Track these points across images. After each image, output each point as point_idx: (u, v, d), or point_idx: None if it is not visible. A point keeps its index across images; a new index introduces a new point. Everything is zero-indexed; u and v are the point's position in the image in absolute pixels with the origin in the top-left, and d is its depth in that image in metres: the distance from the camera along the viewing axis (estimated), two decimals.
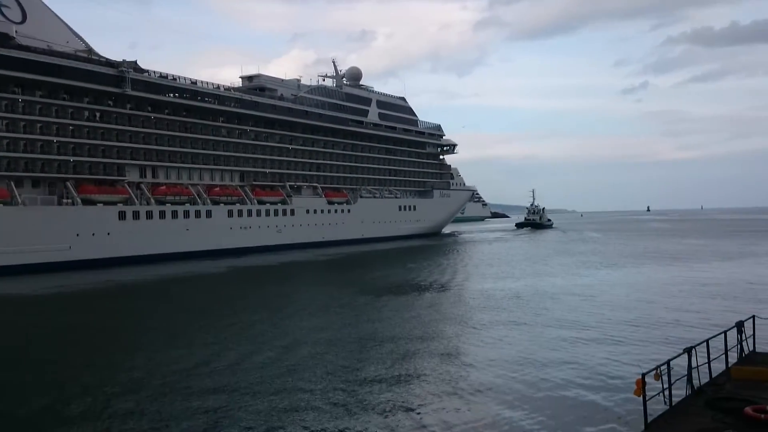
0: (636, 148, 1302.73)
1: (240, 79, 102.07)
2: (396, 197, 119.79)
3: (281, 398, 19.34)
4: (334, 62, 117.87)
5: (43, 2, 74.06)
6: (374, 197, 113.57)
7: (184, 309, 39.88)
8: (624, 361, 23.15)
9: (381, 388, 20.27)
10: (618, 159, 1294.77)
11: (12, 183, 64.19)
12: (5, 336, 32.88)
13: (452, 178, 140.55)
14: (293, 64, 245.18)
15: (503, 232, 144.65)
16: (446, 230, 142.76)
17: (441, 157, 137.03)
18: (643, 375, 12.93)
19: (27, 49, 65.70)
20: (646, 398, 12.86)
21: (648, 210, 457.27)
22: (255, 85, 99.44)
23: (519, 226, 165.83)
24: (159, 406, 18.86)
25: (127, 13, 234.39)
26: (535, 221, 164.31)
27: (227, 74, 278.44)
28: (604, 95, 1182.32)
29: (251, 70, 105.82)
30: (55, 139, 68.42)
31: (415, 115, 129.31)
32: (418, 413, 17.99)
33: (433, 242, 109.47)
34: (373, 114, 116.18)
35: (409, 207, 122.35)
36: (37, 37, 68.89)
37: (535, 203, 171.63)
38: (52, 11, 75.09)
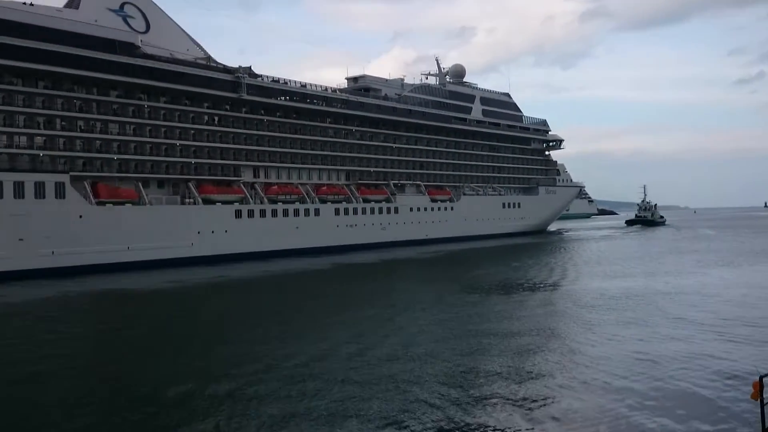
0: (751, 141, 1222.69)
1: (345, 81, 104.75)
2: (500, 194, 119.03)
3: (399, 391, 20.30)
4: (437, 60, 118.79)
5: (164, 12, 79.09)
6: (478, 195, 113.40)
7: (297, 303, 41.84)
8: (742, 361, 22.66)
9: (494, 386, 20.83)
10: (732, 153, 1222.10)
11: (140, 184, 69.12)
12: (142, 325, 35.90)
13: (558, 174, 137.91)
14: (394, 63, 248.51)
15: (612, 229, 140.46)
16: (552, 228, 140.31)
17: (547, 152, 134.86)
18: (761, 377, 12.72)
19: (151, 57, 70.46)
20: (764, 402, 12.54)
21: (766, 206, 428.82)
22: (360, 85, 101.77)
23: (629, 223, 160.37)
24: (288, 392, 20.28)
25: (237, 19, 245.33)
26: (647, 218, 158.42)
27: (329, 75, 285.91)
28: (717, 87, 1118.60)
29: (353, 71, 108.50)
30: (178, 142, 73.02)
31: (520, 111, 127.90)
32: (534, 410, 18.44)
33: (538, 240, 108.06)
34: (477, 111, 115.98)
35: (514, 204, 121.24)
36: (159, 45, 73.67)
37: (647, 199, 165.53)
38: (173, 20, 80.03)
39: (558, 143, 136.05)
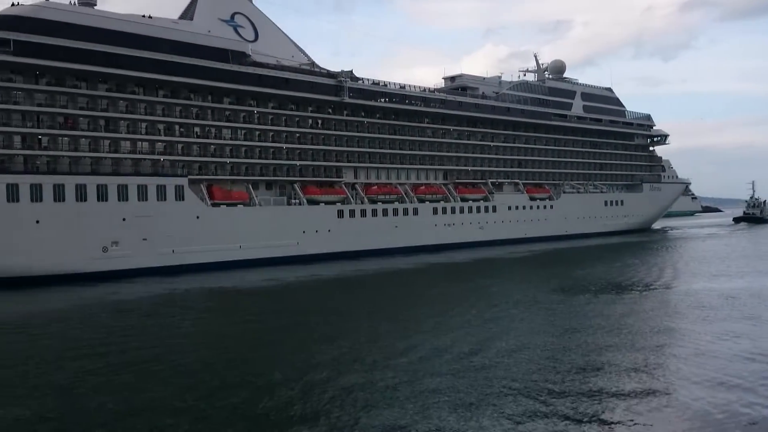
0: None
1: (443, 80, 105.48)
2: (602, 192, 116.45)
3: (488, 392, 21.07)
4: (535, 56, 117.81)
5: (271, 20, 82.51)
6: (578, 192, 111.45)
7: (401, 300, 43.15)
8: None
9: (590, 388, 21.27)
10: None
11: (250, 186, 72.65)
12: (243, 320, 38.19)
13: (663, 170, 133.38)
14: (486, 60, 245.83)
15: (718, 227, 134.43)
16: (655, 226, 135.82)
17: (651, 148, 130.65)
18: None
19: (260, 65, 73.76)
20: None
21: None
22: (457, 84, 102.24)
23: (737, 220, 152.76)
24: (403, 388, 21.51)
25: (332, 23, 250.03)
26: (755, 215, 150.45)
27: (420, 74, 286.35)
28: None
29: (445, 69, 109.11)
30: (284, 145, 76.13)
31: (623, 106, 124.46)
32: (658, 409, 18.85)
33: (642, 239, 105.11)
34: (578, 107, 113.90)
35: (616, 202, 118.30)
36: (267, 53, 76.92)
37: (755, 196, 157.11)
38: (279, 28, 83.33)
39: (663, 138, 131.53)
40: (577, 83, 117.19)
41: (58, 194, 57.18)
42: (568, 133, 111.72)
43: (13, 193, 54.75)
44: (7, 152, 56.29)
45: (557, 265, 67.79)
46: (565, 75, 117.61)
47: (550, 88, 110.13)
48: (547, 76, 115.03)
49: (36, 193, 55.96)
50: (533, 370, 22.38)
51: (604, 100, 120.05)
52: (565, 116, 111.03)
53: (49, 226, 55.98)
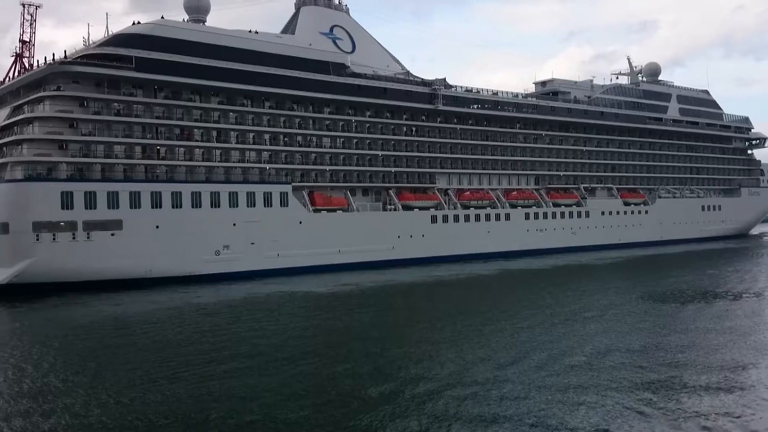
0: None
1: (533, 85, 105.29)
2: (698, 197, 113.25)
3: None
4: (628, 59, 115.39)
5: (367, 31, 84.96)
6: (674, 197, 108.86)
7: (494, 304, 44.00)
8: None
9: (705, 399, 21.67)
10: None
11: (348, 192, 75.11)
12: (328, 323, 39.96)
13: (762, 174, 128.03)
14: (570, 62, 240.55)
15: None
16: (753, 231, 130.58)
17: (749, 152, 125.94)
18: None
19: (359, 75, 76.16)
20: None
21: None
22: (548, 89, 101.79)
23: None
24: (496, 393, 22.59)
25: (411, 29, 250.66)
26: None
27: (500, 78, 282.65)
28: None
29: (535, 75, 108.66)
30: (380, 153, 78.25)
31: (719, 108, 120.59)
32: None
33: (740, 245, 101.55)
34: (673, 110, 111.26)
35: (713, 207, 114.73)
36: (364, 63, 79.24)
37: None
38: (375, 39, 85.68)
39: (761, 141, 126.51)
40: (673, 86, 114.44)
41: (176, 201, 61.13)
42: (664, 136, 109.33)
43: (135, 201, 58.95)
44: (130, 162, 60.64)
45: (652, 272, 66.86)
46: (661, 78, 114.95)
47: (645, 91, 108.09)
48: (640, 78, 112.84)
49: (156, 200, 60.03)
50: (614, 389, 22.85)
51: (700, 102, 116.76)
52: (660, 120, 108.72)
53: (168, 231, 59.94)
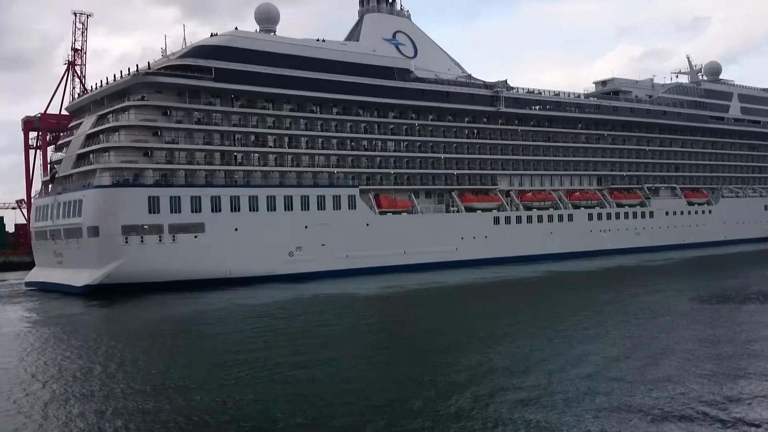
0: None
1: (593, 85, 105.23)
2: (761, 196, 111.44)
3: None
4: (688, 58, 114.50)
5: (428, 36, 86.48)
6: (737, 197, 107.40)
7: (562, 304, 44.63)
8: None
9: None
10: None
11: (412, 194, 76.79)
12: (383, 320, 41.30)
13: None
14: (619, 60, 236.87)
15: None
16: None
17: None
18: None
19: (422, 80, 77.82)
20: None
21: None
22: (609, 89, 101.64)
23: None
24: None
25: (456, 30, 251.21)
26: None
27: (548, 77, 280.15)
28: None
29: (574, 72, 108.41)
30: (442, 155, 79.71)
31: None
32: None
33: None
34: (735, 108, 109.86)
35: None
36: (426, 68, 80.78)
37: None
38: (436, 43, 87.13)
39: None
40: (734, 84, 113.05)
41: (253, 205, 63.81)
42: (726, 135, 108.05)
43: (216, 204, 61.79)
44: (211, 168, 63.55)
45: (719, 273, 66.44)
46: (722, 77, 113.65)
47: (706, 90, 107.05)
48: (700, 77, 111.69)
49: (235, 204, 62.79)
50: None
51: (762, 101, 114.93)
52: (722, 119, 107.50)
53: (246, 233, 62.59)
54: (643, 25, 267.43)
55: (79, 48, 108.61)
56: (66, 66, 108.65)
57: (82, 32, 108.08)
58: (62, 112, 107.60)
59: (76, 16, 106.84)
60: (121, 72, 64.07)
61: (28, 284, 67.30)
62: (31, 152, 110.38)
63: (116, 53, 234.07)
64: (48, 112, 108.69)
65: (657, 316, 37.77)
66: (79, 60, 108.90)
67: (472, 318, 41.38)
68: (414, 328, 38.92)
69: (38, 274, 66.80)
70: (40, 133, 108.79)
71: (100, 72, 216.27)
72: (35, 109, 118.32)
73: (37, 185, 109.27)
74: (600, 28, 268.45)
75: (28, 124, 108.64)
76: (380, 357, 30.47)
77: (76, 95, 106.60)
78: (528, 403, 21.56)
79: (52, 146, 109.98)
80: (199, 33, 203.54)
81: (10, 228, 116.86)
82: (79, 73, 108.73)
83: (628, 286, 54.82)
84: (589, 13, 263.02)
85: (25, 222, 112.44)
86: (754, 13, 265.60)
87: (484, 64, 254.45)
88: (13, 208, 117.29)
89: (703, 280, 60.47)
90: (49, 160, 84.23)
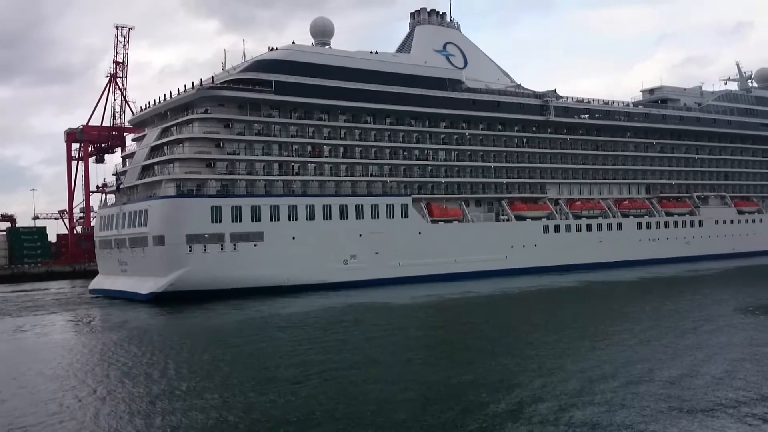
0: None
1: (640, 93, 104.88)
2: None
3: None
4: (737, 65, 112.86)
5: (478, 47, 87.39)
6: None
7: (614, 314, 44.97)
8: None
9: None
10: None
11: (462, 203, 77.69)
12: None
13: None
14: (659, 66, 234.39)
15: None
16: None
17: None
18: None
19: (473, 90, 78.78)
20: None
21: None
22: (657, 97, 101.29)
23: None
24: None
25: (496, 37, 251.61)
26: None
27: (587, 84, 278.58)
28: None
29: (614, 79, 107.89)
30: (492, 164, 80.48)
31: None
32: None
33: None
34: None
35: None
36: (476, 78, 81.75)
37: None
38: (485, 53, 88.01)
39: None
40: None
41: (310, 214, 65.43)
42: None
43: (275, 214, 63.55)
44: (270, 178, 65.40)
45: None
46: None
47: (758, 98, 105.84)
48: (751, 84, 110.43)
49: (293, 213, 64.49)
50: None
51: None
52: None
53: (303, 242, 64.18)
54: (684, 31, 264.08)
55: (121, 61, 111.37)
56: (108, 79, 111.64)
57: (124, 45, 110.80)
58: (104, 124, 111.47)
59: (117, 29, 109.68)
60: (182, 87, 66.55)
61: (92, 291, 69.85)
62: (74, 163, 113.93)
63: (158, 65, 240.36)
64: (90, 124, 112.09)
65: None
66: (121, 72, 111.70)
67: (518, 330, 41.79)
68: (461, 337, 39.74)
69: (102, 282, 69.34)
70: (82, 144, 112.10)
71: (141, 84, 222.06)
72: (79, 121, 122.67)
73: (78, 197, 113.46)
74: (640, 35, 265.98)
75: (71, 135, 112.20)
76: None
77: (118, 108, 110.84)
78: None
79: (94, 157, 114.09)
80: (239, 45, 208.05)
81: (52, 238, 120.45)
82: (120, 85, 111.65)
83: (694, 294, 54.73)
84: (628, 19, 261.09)
85: (66, 232, 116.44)
86: None
87: (523, 70, 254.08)
88: (56, 219, 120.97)
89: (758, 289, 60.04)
90: (112, 171, 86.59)
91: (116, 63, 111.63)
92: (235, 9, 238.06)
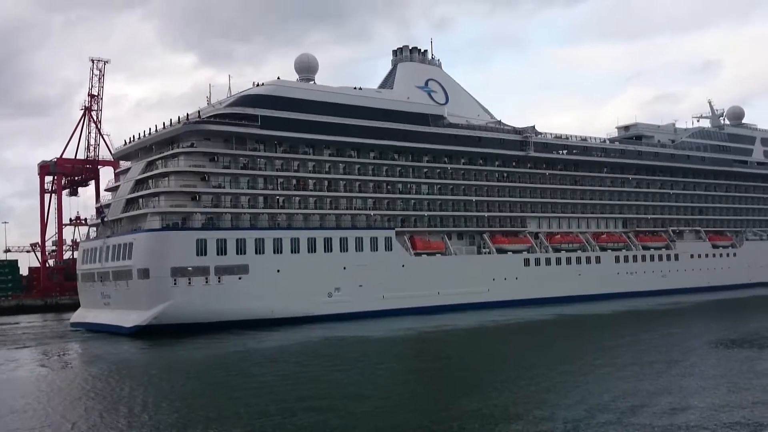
0: None
1: (616, 129, 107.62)
2: None
3: None
4: (709, 102, 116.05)
5: (458, 84, 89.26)
6: (761, 240, 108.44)
7: (593, 346, 45.69)
8: None
9: None
10: None
11: (445, 236, 78.57)
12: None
13: None
14: (630, 104, 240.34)
15: None
16: None
17: None
18: None
19: (455, 126, 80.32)
20: None
21: None
22: (632, 133, 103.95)
23: None
24: None
25: (472, 74, 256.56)
26: None
27: (559, 121, 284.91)
28: None
29: (587, 115, 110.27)
30: (474, 198, 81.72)
31: None
32: None
33: None
34: (758, 152, 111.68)
35: None
36: (457, 114, 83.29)
37: None
38: (465, 90, 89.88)
39: None
40: (757, 129, 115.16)
41: (295, 247, 65.79)
42: (749, 179, 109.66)
43: (260, 247, 63.79)
44: (255, 211, 65.82)
45: (743, 316, 67.20)
46: (745, 121, 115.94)
47: (730, 135, 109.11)
48: (723, 122, 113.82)
49: (277, 246, 64.79)
50: None
51: None
52: (745, 162, 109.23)
53: (288, 274, 64.39)
54: (654, 69, 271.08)
55: (96, 94, 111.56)
56: (82, 111, 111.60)
57: (99, 78, 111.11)
58: (78, 157, 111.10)
59: (93, 62, 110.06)
60: (159, 120, 66.84)
61: (73, 324, 69.11)
62: (47, 196, 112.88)
63: (134, 99, 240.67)
64: (64, 156, 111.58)
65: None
66: (96, 105, 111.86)
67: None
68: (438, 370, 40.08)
69: (84, 315, 68.70)
70: (55, 177, 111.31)
71: (117, 117, 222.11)
72: (54, 153, 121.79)
73: (51, 230, 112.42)
74: (611, 72, 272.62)
75: (44, 168, 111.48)
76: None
77: (92, 141, 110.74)
78: None
79: (67, 190, 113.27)
80: (216, 79, 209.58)
81: (24, 271, 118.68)
82: (95, 118, 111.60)
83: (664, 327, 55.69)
84: (599, 57, 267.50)
85: (38, 265, 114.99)
86: (765, 57, 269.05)
87: (499, 106, 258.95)
88: (28, 252, 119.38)
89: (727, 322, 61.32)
90: (95, 203, 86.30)
91: (91, 96, 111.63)
92: (212, 44, 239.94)
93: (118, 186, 70.55)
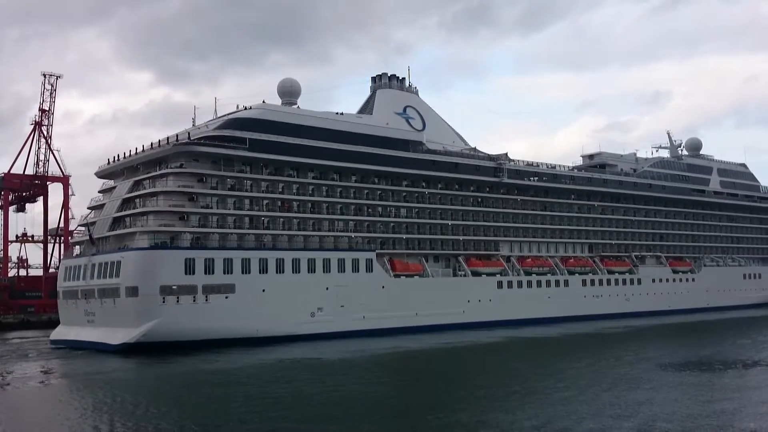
0: None
1: (581, 158, 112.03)
2: (740, 265, 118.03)
3: None
4: (668, 134, 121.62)
5: (435, 111, 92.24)
6: (718, 266, 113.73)
7: (559, 367, 48.30)
8: None
9: None
10: None
11: (423, 258, 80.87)
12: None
13: None
14: (582, 131, 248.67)
15: None
16: None
17: None
18: None
19: (434, 152, 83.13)
20: None
21: None
22: (596, 162, 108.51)
23: None
24: None
25: (429, 100, 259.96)
26: None
27: (514, 147, 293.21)
28: None
29: (540, 142, 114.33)
30: (450, 222, 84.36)
31: (757, 181, 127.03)
32: None
33: None
34: (715, 182, 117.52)
35: (755, 275, 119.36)
36: (434, 140, 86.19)
37: None
38: (442, 117, 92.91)
39: None
40: (713, 159, 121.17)
41: (280, 267, 67.20)
42: (706, 207, 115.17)
43: (246, 267, 65.07)
44: (241, 231, 67.15)
45: (701, 338, 70.96)
46: (703, 152, 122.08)
47: (688, 165, 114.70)
48: (681, 152, 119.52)
49: (263, 266, 66.14)
50: None
51: (739, 175, 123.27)
52: (703, 191, 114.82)
53: (273, 294, 65.73)
54: (605, 98, 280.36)
55: (47, 109, 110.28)
56: (33, 126, 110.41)
57: (51, 93, 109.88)
58: (27, 172, 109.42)
59: (45, 77, 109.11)
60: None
61: (54, 342, 68.82)
62: None
63: (88, 114, 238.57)
64: (12, 172, 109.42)
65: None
66: (47, 120, 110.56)
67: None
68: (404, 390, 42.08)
69: (66, 332, 68.57)
70: (2, 192, 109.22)
71: (71, 132, 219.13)
72: (2, 169, 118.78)
73: None
74: (565, 100, 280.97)
75: None
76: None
77: (41, 156, 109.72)
78: None
79: (14, 206, 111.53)
80: (172, 97, 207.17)
81: None
82: (45, 133, 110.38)
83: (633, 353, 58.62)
84: (554, 85, 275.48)
85: None
86: (712, 89, 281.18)
87: (458, 132, 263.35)
88: None
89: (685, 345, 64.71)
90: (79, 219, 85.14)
91: (42, 111, 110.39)
92: (170, 61, 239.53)
93: (104, 204, 70.97)
